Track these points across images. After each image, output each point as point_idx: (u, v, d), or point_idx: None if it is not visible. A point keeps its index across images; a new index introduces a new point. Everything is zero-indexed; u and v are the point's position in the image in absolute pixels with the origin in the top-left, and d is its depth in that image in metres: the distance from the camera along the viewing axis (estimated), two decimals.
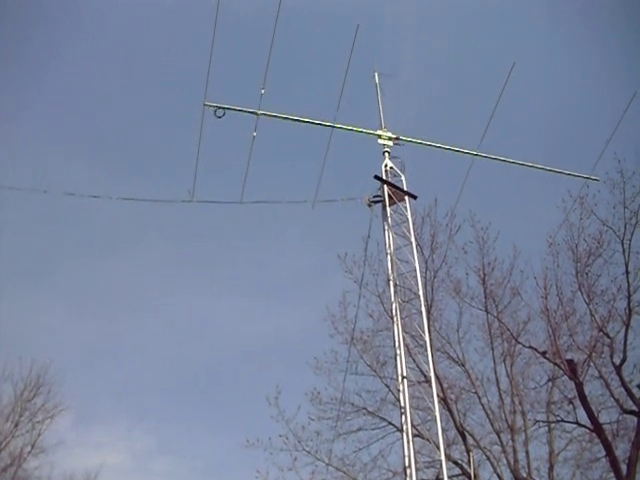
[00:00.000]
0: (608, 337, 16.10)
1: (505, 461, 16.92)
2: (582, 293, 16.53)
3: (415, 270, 9.49)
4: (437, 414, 8.53)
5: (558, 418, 17.72)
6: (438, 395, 9.12)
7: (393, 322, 9.13)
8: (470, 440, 17.15)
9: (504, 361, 17.88)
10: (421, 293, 9.38)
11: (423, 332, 9.12)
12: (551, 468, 17.12)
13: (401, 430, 8.53)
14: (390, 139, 10.50)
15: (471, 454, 16.30)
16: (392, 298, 9.24)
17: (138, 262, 44.85)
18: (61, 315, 41.83)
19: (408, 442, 8.22)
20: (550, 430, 17.81)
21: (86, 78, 38.94)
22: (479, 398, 17.71)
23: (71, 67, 38.56)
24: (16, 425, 25.32)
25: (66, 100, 41.79)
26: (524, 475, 16.50)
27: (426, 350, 9.20)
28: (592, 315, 16.36)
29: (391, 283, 9.38)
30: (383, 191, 10.02)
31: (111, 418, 39.45)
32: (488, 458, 17.14)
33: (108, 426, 38.15)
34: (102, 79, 40.87)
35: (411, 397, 8.64)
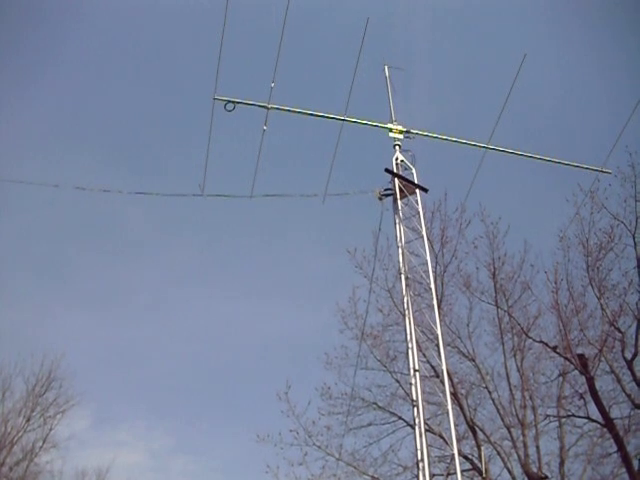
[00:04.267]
0: (619, 332, 16.05)
1: (516, 456, 16.87)
2: (593, 287, 16.50)
3: (426, 263, 9.45)
4: (449, 407, 8.48)
5: (569, 413, 17.64)
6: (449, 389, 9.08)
7: (404, 316, 9.08)
8: (480, 435, 17.14)
9: (514, 356, 17.83)
10: (433, 286, 9.34)
11: (434, 326, 9.08)
12: (562, 463, 17.05)
13: (413, 424, 8.49)
14: (401, 132, 10.44)
15: (482, 449, 16.28)
16: (403, 291, 9.21)
17: (153, 263, 45.12)
18: (78, 314, 42.01)
19: (420, 435, 8.16)
20: (561, 425, 17.72)
21: (96, 74, 39.02)
22: (489, 393, 17.68)
23: (81, 62, 38.76)
24: (28, 420, 25.50)
25: (76, 96, 41.93)
26: (535, 470, 16.44)
27: (437, 344, 9.18)
28: (603, 309, 16.31)
29: (402, 276, 9.34)
30: (394, 184, 9.97)
31: (131, 417, 39.89)
32: (499, 453, 17.10)
33: (128, 425, 38.48)
34: (113, 75, 40.99)
35: (422, 392, 8.60)
